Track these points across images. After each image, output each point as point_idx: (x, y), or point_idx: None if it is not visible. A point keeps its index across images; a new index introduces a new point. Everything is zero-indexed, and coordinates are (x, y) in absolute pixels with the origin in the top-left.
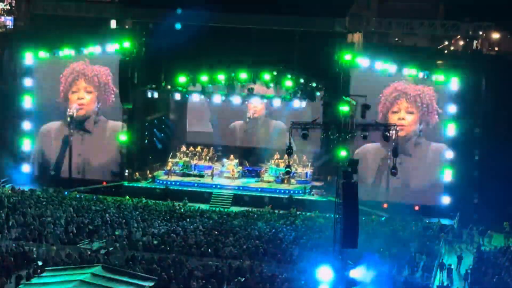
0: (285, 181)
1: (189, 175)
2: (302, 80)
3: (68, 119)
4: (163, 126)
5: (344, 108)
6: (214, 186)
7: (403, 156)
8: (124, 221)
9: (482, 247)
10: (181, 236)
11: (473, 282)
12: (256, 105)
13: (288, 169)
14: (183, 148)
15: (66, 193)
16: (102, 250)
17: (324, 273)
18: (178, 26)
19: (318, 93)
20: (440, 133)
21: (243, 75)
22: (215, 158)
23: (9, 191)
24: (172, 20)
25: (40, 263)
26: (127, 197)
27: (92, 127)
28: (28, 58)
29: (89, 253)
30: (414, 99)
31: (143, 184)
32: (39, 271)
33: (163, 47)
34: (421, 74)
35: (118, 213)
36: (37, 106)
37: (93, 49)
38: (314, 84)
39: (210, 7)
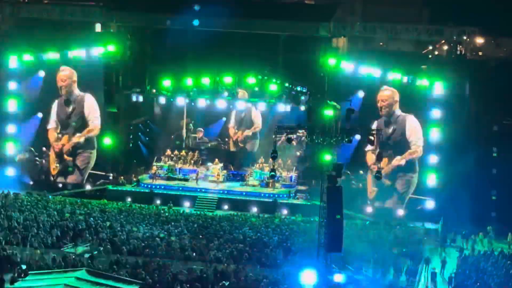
0: (270, 185)
1: (174, 179)
2: (286, 84)
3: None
4: (147, 130)
5: (328, 112)
6: (199, 190)
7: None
8: (108, 224)
9: (465, 251)
10: (165, 240)
11: (457, 286)
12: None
13: (272, 173)
14: (168, 152)
15: (50, 196)
16: (86, 254)
17: (308, 277)
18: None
19: (302, 97)
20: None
21: (227, 79)
22: (200, 162)
23: None
24: (157, 24)
25: (24, 267)
26: (105, 200)
27: None
28: (13, 61)
29: (73, 257)
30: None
31: (127, 188)
32: (23, 275)
33: (147, 50)
34: (405, 79)
35: (102, 217)
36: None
37: (78, 53)
38: (298, 88)
39: (195, 11)
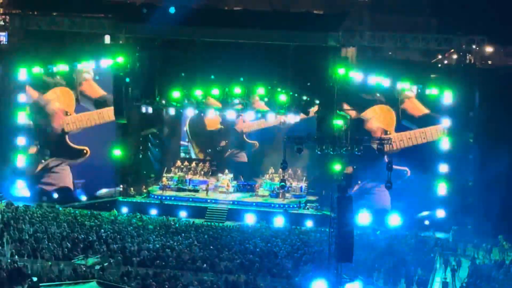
0: (280, 195)
1: (184, 190)
2: (296, 95)
3: None
4: (157, 141)
5: (338, 122)
6: (209, 201)
7: None
8: (119, 236)
9: (477, 260)
10: (176, 251)
11: None
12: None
13: (283, 183)
14: (178, 163)
15: (60, 208)
16: (96, 266)
17: None
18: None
19: (312, 107)
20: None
21: (237, 90)
22: (210, 173)
23: (4, 207)
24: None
25: (34, 279)
26: (115, 211)
27: None
28: (22, 73)
29: (84, 268)
30: None
31: (138, 199)
32: (33, 287)
33: (157, 62)
34: (414, 88)
35: (112, 228)
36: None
37: (87, 64)
38: (308, 98)
39: (204, 21)
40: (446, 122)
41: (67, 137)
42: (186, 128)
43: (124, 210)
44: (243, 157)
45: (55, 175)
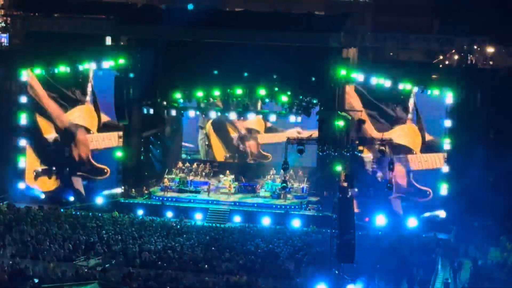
0: (281, 196)
1: (185, 191)
2: (297, 95)
3: None
4: (159, 142)
5: (339, 123)
6: (210, 202)
7: None
8: (120, 237)
9: (478, 261)
10: (177, 252)
11: None
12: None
13: (284, 184)
14: (179, 164)
15: (61, 210)
16: (98, 267)
17: None
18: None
19: (313, 108)
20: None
21: (238, 91)
22: (211, 174)
23: (5, 209)
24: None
25: (36, 280)
26: (116, 212)
27: None
28: (24, 75)
29: (85, 270)
30: None
31: (139, 200)
32: None
33: (158, 63)
34: (416, 89)
35: (114, 230)
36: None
37: (88, 66)
38: (309, 99)
39: (205, 22)
40: (447, 123)
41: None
42: (205, 130)
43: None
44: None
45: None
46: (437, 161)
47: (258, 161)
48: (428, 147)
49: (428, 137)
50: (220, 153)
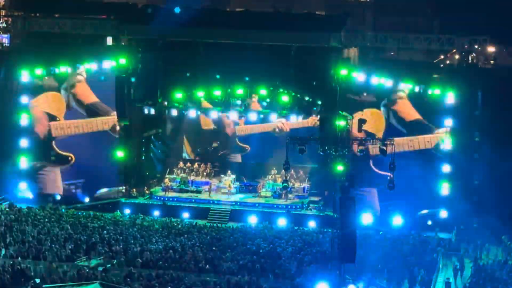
0: (283, 196)
1: (186, 191)
2: (298, 95)
3: None
4: (160, 142)
5: (340, 123)
6: (211, 202)
7: None
8: (121, 237)
9: (480, 260)
10: (179, 252)
11: None
12: None
13: (285, 184)
14: (180, 164)
15: (63, 210)
16: (100, 267)
17: None
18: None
19: (314, 108)
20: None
21: (239, 91)
22: (212, 174)
23: (7, 209)
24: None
25: (37, 280)
26: (118, 213)
27: None
28: (25, 75)
29: (87, 270)
30: None
31: (140, 200)
32: None
33: (159, 63)
34: (417, 88)
35: (115, 230)
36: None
37: (89, 66)
38: (310, 99)
39: (206, 23)
40: (448, 122)
41: (54, 142)
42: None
43: (127, 211)
44: (236, 158)
45: (41, 178)
46: (422, 144)
47: (239, 154)
48: (416, 127)
49: (417, 116)
50: (190, 149)
